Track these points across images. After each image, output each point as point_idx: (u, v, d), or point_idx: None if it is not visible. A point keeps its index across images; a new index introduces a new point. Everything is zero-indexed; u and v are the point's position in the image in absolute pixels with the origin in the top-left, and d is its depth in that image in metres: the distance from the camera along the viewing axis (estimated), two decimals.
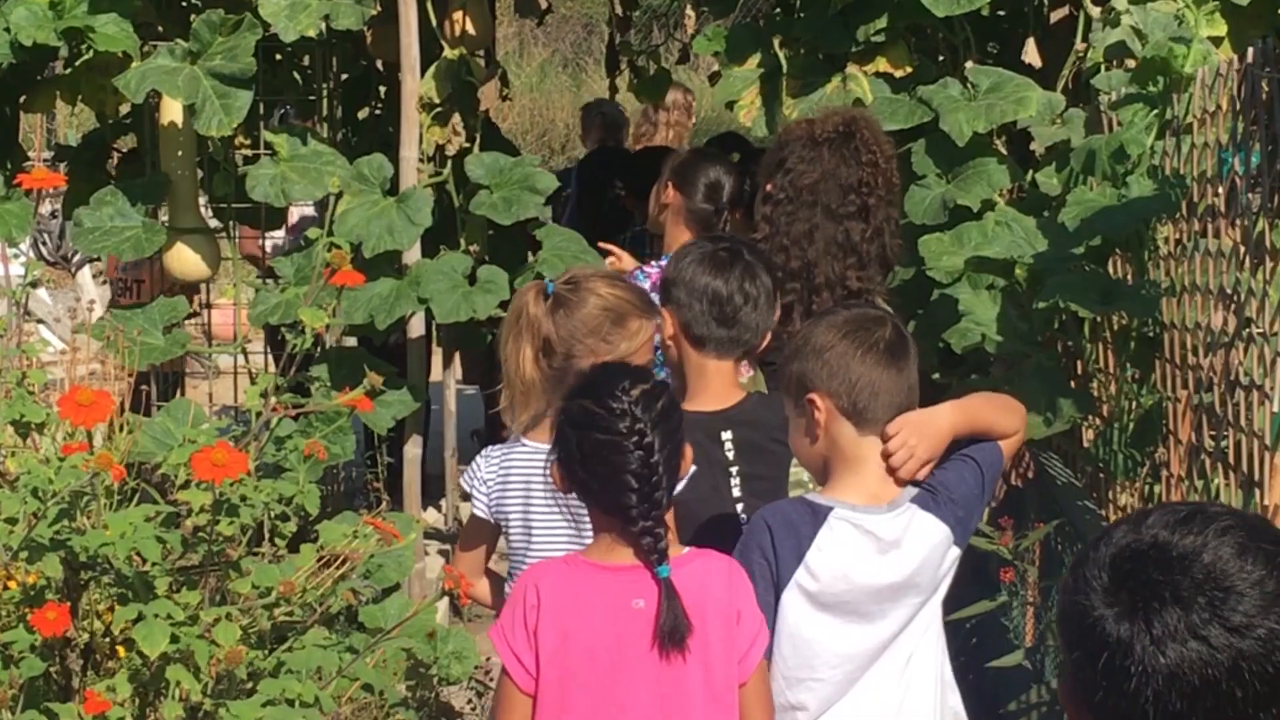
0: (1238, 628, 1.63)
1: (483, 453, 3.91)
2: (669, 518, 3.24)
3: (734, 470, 3.77)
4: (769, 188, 4.46)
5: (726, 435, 3.77)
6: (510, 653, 3.20)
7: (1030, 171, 5.42)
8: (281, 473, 4.00)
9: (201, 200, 6.08)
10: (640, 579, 3.16)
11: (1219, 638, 1.63)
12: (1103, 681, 1.69)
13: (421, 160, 5.77)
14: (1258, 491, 3.59)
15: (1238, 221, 4.04)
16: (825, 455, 3.39)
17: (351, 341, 6.36)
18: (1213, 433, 4.03)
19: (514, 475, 3.80)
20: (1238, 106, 4.06)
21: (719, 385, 3.83)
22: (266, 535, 3.82)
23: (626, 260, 5.34)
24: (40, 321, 10.14)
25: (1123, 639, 1.68)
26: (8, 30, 5.26)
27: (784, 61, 5.59)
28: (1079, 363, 5.12)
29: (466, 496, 3.95)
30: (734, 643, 3.19)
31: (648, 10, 12.19)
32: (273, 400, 3.86)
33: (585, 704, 3.17)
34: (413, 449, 5.88)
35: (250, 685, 3.55)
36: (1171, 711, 1.64)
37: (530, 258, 6.00)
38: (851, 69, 5.54)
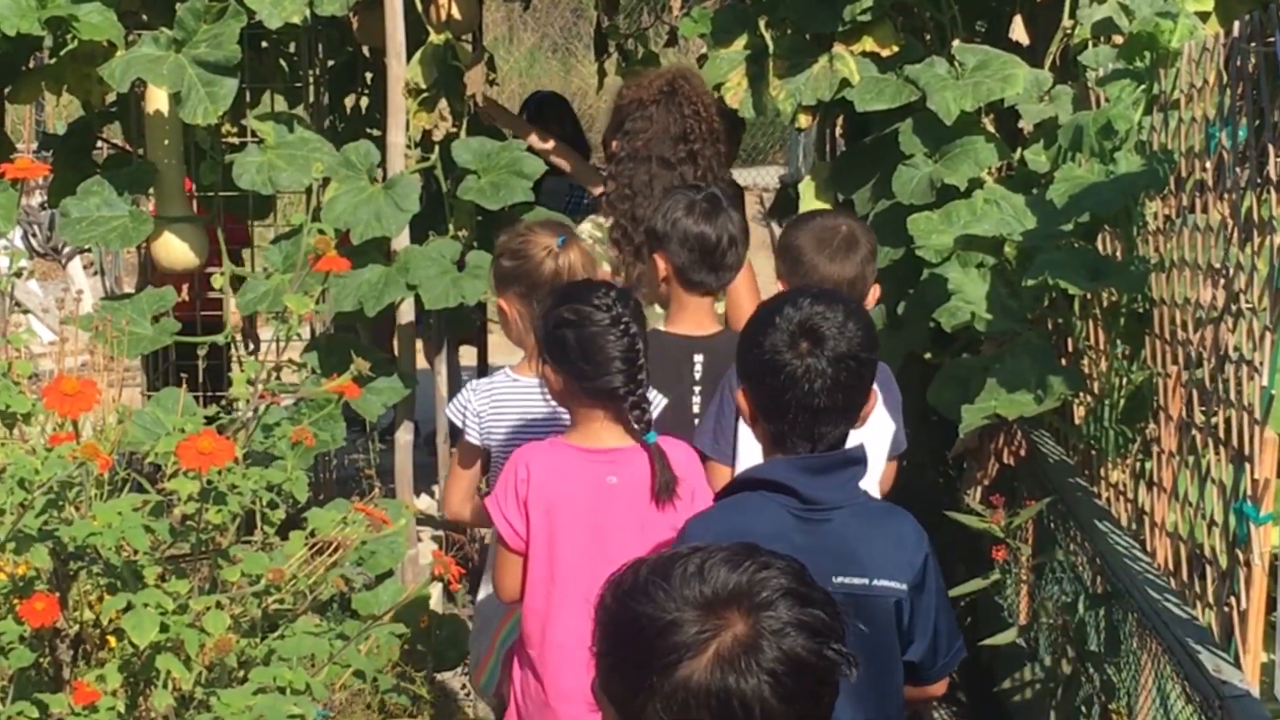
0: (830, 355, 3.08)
1: (470, 386, 4.44)
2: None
3: (697, 389, 4.44)
4: (613, 146, 5.30)
5: (699, 358, 4.47)
6: (503, 518, 3.81)
7: (1018, 149, 5.41)
8: (271, 460, 3.99)
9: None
10: (615, 459, 3.80)
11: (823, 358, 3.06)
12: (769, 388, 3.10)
13: (409, 146, 5.75)
14: (1248, 466, 3.59)
15: (1226, 196, 4.03)
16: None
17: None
18: (1203, 408, 4.02)
19: (508, 406, 4.33)
20: (1225, 81, 4.05)
21: (700, 315, 4.52)
22: (258, 523, 3.82)
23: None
24: (27, 312, 10.13)
25: (789, 361, 3.06)
26: None
27: (770, 42, 5.57)
28: (1069, 340, 5.12)
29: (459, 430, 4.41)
30: (688, 514, 3.61)
31: None
32: (260, 388, 3.86)
33: (570, 562, 3.78)
34: (404, 435, 5.87)
35: (241, 673, 3.55)
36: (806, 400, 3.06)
37: None
38: (838, 49, 5.52)
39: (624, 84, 5.52)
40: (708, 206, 4.50)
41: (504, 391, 4.36)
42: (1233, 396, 3.73)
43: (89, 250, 10.94)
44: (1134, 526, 4.49)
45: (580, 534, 3.78)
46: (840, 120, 6.62)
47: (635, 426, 3.79)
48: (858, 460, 3.14)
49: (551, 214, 5.52)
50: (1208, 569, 3.82)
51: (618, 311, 3.74)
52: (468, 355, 9.38)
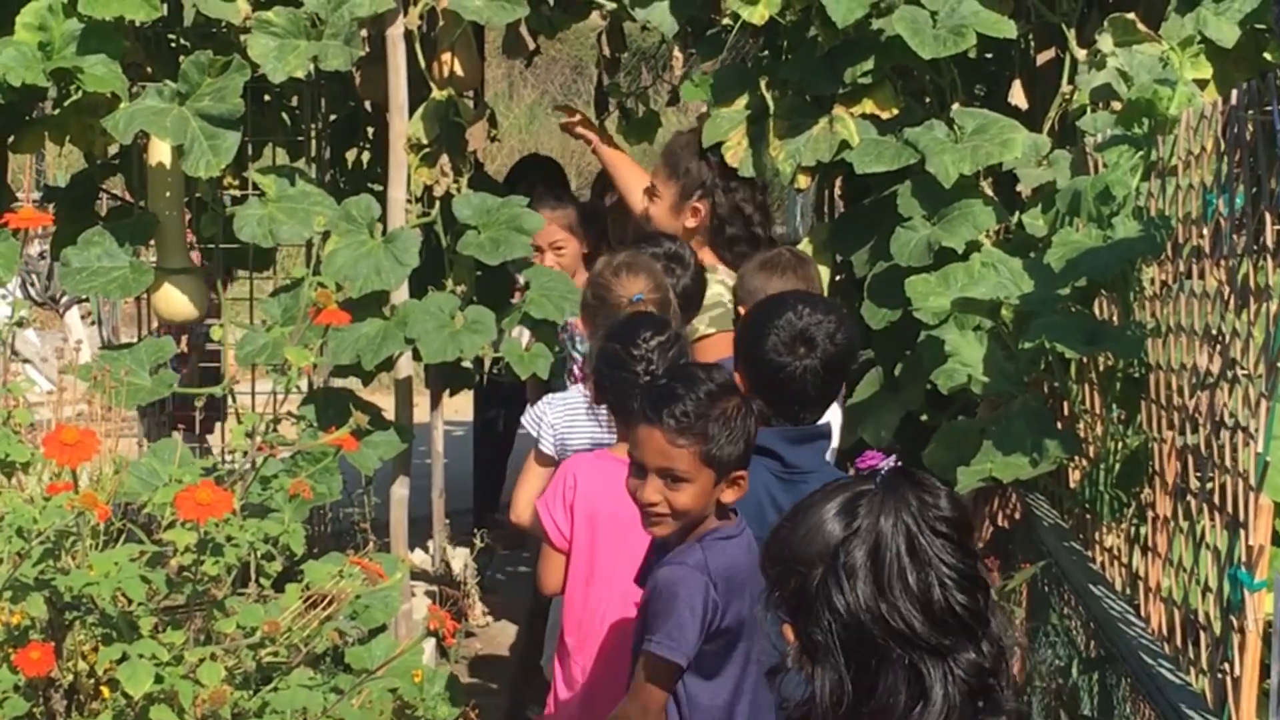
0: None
1: (546, 399, 4.93)
2: None
3: None
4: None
5: None
6: (550, 520, 4.30)
7: (1016, 213, 5.43)
8: (268, 513, 3.99)
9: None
10: None
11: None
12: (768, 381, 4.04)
13: (409, 201, 5.77)
14: (1243, 532, 3.59)
15: (1222, 262, 4.04)
16: None
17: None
18: (1198, 473, 4.02)
19: (580, 420, 4.79)
20: (1222, 148, 4.07)
21: None
22: (252, 575, 3.81)
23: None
24: (27, 361, 10.12)
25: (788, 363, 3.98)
26: None
27: (771, 103, 5.60)
28: (1065, 403, 5.12)
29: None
30: None
31: (636, 52, 12.20)
32: (258, 440, 3.86)
33: (609, 559, 4.24)
34: (399, 489, 5.87)
35: None
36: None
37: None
38: (838, 110, 5.55)
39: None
40: (669, 262, 5.21)
41: (576, 406, 4.83)
42: (1228, 462, 3.73)
43: (86, 300, 10.95)
44: (1128, 591, 4.48)
45: (617, 534, 4.20)
46: (839, 181, 6.64)
47: None
48: (826, 434, 4.09)
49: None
50: (1202, 635, 3.82)
51: (650, 360, 4.23)
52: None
